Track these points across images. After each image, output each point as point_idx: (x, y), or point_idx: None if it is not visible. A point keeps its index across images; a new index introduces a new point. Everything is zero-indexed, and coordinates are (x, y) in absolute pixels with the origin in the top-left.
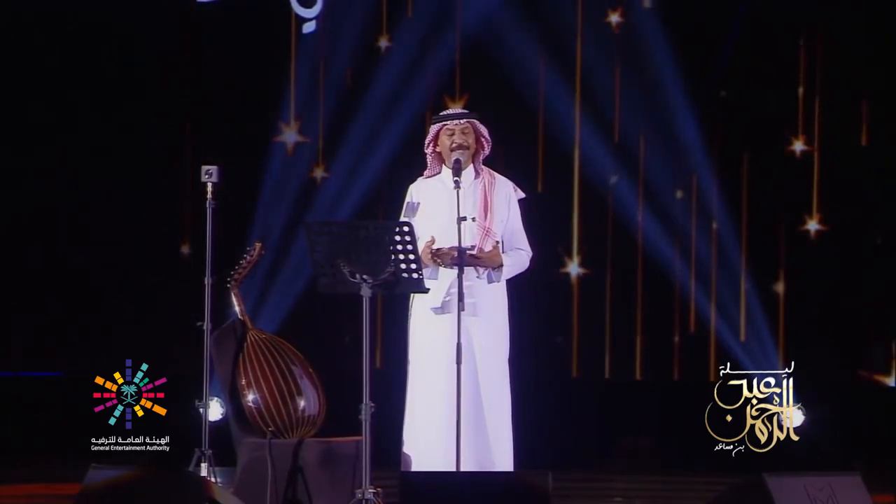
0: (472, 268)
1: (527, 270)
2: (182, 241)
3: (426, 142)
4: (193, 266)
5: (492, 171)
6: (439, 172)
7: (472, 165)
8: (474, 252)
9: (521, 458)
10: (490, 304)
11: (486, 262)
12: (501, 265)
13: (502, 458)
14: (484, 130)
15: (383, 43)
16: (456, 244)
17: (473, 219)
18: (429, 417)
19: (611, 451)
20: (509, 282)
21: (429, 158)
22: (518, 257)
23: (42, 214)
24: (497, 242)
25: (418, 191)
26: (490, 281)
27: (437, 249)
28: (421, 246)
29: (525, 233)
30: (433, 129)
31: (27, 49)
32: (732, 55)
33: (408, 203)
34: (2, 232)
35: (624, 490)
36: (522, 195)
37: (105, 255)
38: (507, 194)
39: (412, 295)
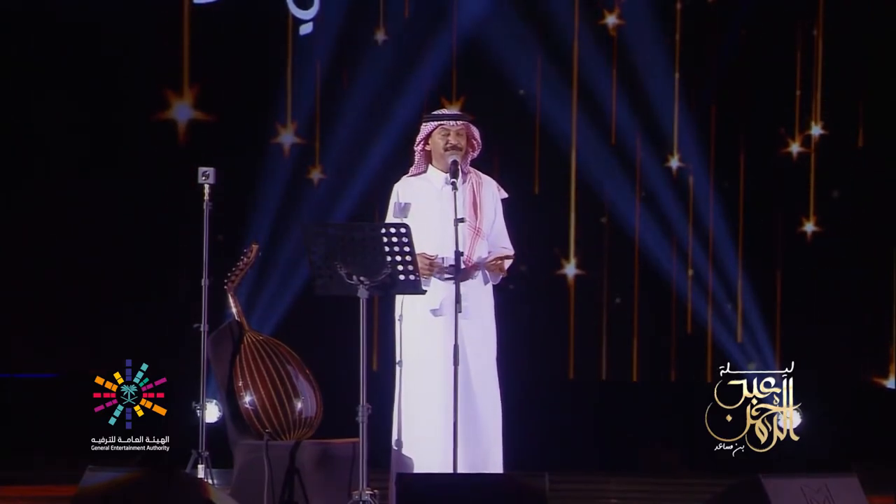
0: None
1: (515, 269)
2: (179, 243)
3: (418, 139)
4: (191, 267)
5: (477, 171)
6: (425, 171)
7: (460, 165)
8: (468, 257)
9: (517, 459)
10: (480, 306)
11: (495, 268)
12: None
13: (493, 459)
14: (477, 134)
15: (380, 36)
16: (447, 244)
17: (463, 219)
18: (424, 419)
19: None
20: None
21: (417, 156)
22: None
23: (39, 215)
24: (487, 243)
25: (405, 190)
26: (486, 282)
27: (433, 262)
28: (420, 258)
29: (508, 232)
30: (427, 127)
31: (26, 50)
32: (730, 57)
33: (396, 203)
34: None
35: (621, 491)
36: (505, 195)
37: (103, 255)
38: (492, 194)
39: (400, 297)
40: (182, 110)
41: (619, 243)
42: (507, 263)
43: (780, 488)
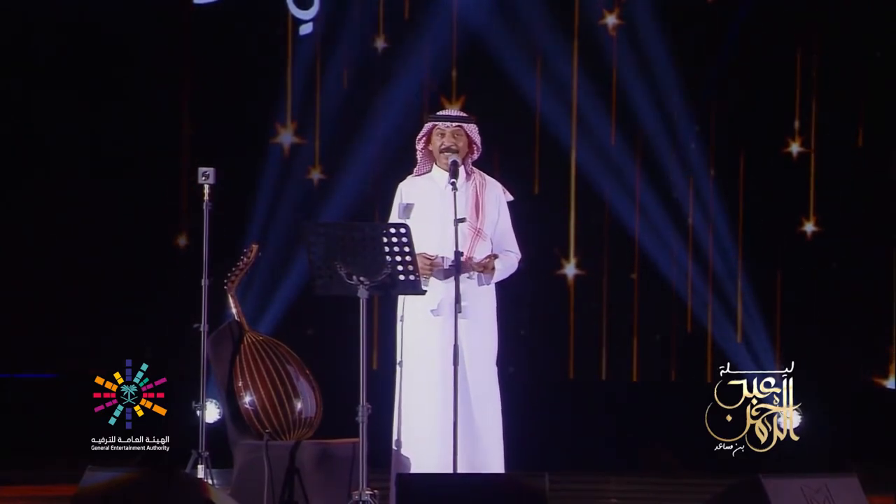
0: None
1: (517, 272)
2: (179, 243)
3: (418, 137)
4: (191, 267)
5: (482, 173)
6: (429, 171)
7: (462, 167)
8: (469, 257)
9: (517, 459)
10: (480, 307)
11: (478, 268)
12: (493, 269)
13: (493, 460)
14: (476, 136)
15: (380, 44)
16: (448, 244)
17: (464, 220)
18: (424, 419)
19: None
20: (499, 283)
21: (419, 155)
22: (508, 260)
23: (39, 215)
24: (489, 244)
25: (409, 190)
26: (480, 284)
27: (434, 262)
28: (421, 259)
29: (514, 234)
30: (426, 126)
31: (26, 49)
32: (730, 57)
33: (400, 204)
34: None
35: (621, 491)
36: (511, 197)
37: (102, 256)
38: (496, 196)
39: (401, 297)
40: (184, 114)
41: (619, 243)
42: (512, 266)
43: (780, 488)
